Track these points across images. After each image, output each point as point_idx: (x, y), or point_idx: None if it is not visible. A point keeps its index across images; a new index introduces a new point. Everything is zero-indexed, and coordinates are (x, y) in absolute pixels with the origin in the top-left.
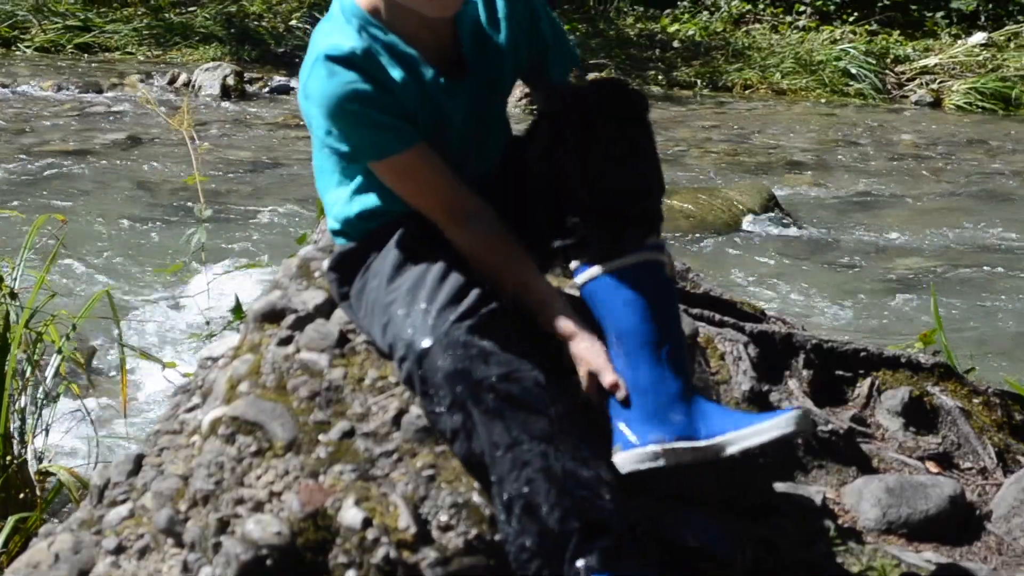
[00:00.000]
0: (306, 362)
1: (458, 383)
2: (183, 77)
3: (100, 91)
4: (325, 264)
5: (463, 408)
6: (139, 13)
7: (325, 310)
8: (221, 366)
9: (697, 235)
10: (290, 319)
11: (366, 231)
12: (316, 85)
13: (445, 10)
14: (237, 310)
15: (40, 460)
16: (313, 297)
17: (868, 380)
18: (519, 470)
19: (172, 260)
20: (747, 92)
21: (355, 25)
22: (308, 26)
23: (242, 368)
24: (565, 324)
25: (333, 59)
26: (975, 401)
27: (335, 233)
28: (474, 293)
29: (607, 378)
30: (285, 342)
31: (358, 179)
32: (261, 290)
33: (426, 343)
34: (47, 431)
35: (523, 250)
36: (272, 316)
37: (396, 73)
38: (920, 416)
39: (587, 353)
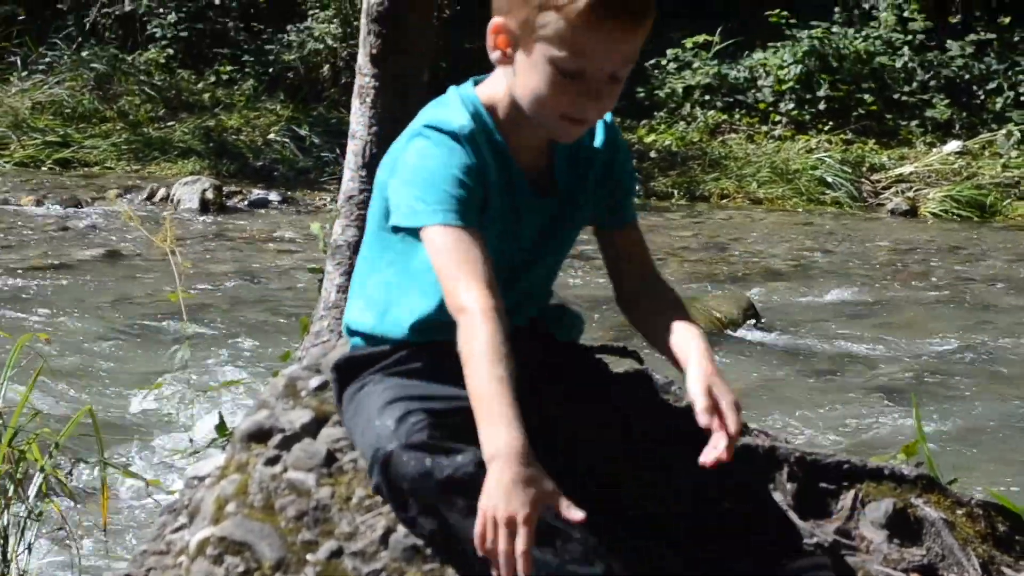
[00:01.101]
0: (293, 481)
1: (424, 487)
2: (162, 191)
3: (79, 206)
4: (332, 359)
5: (435, 512)
6: (118, 128)
7: (312, 429)
8: (208, 485)
9: None
10: (277, 438)
11: (383, 340)
12: (409, 149)
13: (570, 138)
14: (221, 427)
15: None
16: (300, 416)
17: (852, 492)
18: None
19: (155, 376)
20: (724, 201)
21: (469, 110)
22: (286, 140)
23: (229, 488)
24: (490, 440)
25: (437, 128)
26: (959, 512)
27: (350, 332)
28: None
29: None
30: (272, 462)
31: (400, 288)
32: (244, 407)
33: (389, 447)
34: (29, 549)
35: (503, 363)
36: (259, 436)
37: (491, 163)
38: (904, 528)
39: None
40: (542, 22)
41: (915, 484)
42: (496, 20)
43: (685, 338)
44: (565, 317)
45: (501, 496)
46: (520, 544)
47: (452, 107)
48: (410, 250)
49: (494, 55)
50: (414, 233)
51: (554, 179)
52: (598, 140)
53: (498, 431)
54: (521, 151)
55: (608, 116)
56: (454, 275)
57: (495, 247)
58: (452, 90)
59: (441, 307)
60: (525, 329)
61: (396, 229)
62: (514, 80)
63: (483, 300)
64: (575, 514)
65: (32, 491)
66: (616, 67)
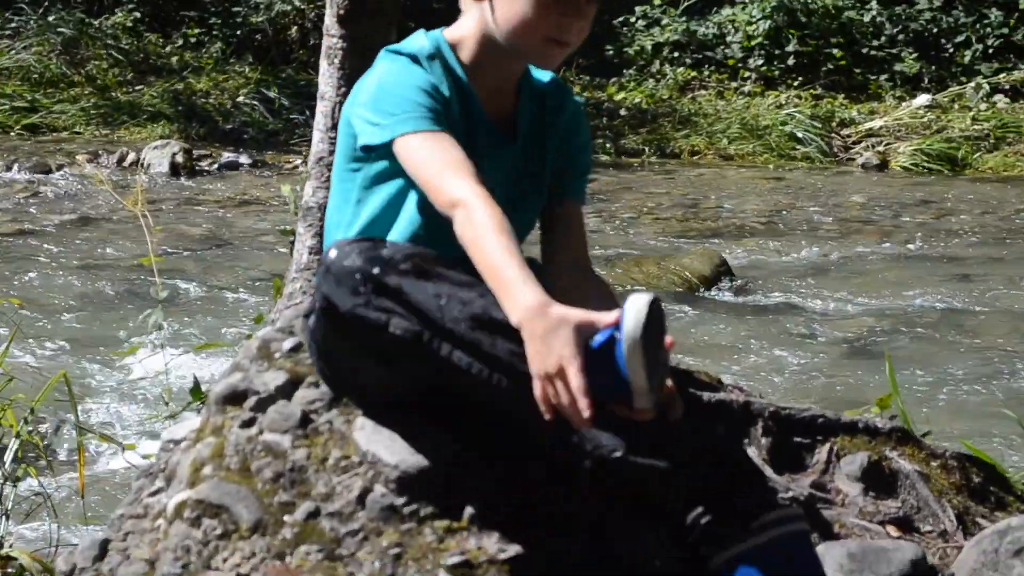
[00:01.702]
0: (269, 444)
1: (373, 266)
2: (132, 156)
3: (49, 171)
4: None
5: (386, 290)
6: (86, 93)
7: (287, 391)
8: (184, 449)
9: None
10: (252, 401)
11: None
12: (371, 75)
13: (552, 64)
14: (196, 391)
15: (0, 545)
16: (274, 378)
17: (826, 446)
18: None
19: (129, 340)
20: (695, 158)
21: (430, 42)
22: (256, 102)
23: (205, 451)
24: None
25: (397, 52)
26: (933, 464)
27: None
28: None
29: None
30: (248, 424)
31: (368, 215)
32: (219, 370)
33: (333, 251)
34: (7, 515)
35: (507, 235)
36: (234, 398)
37: (452, 96)
38: (879, 480)
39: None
40: None
41: (889, 437)
42: None
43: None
44: None
45: (542, 354)
46: (573, 383)
47: (415, 37)
48: (380, 180)
49: None
50: (386, 152)
51: (516, 128)
52: (566, 102)
53: (516, 296)
54: (484, 93)
55: (576, 99)
56: (439, 173)
57: None
58: (420, 30)
59: (425, 225)
60: None
61: (367, 149)
62: (493, 14)
63: (475, 188)
64: (606, 318)
65: (8, 457)
66: None
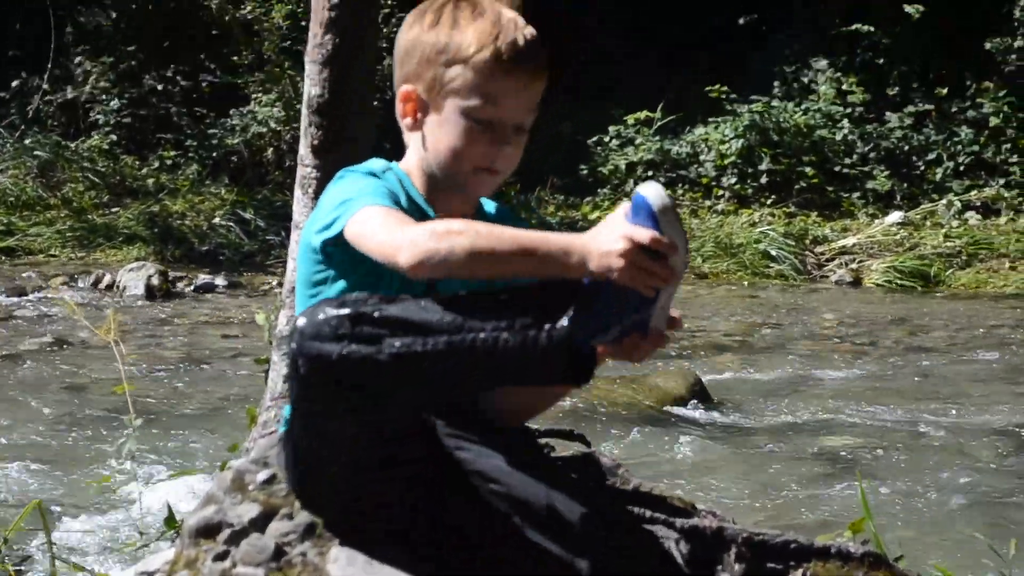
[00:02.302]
0: None
1: (344, 308)
2: (108, 278)
3: (24, 294)
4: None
5: (366, 318)
6: (62, 215)
7: (260, 524)
8: None
9: (625, 424)
10: (226, 533)
11: None
12: (328, 194)
13: (484, 192)
14: (170, 520)
15: None
16: (248, 511)
17: (800, 572)
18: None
19: (103, 466)
20: None
21: (383, 166)
22: (231, 224)
23: None
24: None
25: (352, 170)
26: None
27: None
28: None
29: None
30: (221, 557)
31: None
32: (194, 498)
33: (301, 319)
34: None
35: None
36: (207, 531)
37: (403, 205)
38: None
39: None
40: (450, 77)
41: (862, 562)
42: (403, 88)
43: None
44: None
45: (604, 242)
46: (640, 234)
47: (371, 161)
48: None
49: (405, 122)
50: (339, 257)
51: None
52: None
53: (563, 252)
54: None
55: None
56: (394, 229)
57: None
58: (374, 158)
59: None
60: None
61: (327, 245)
62: (424, 145)
63: (437, 224)
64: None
65: None
66: (523, 115)
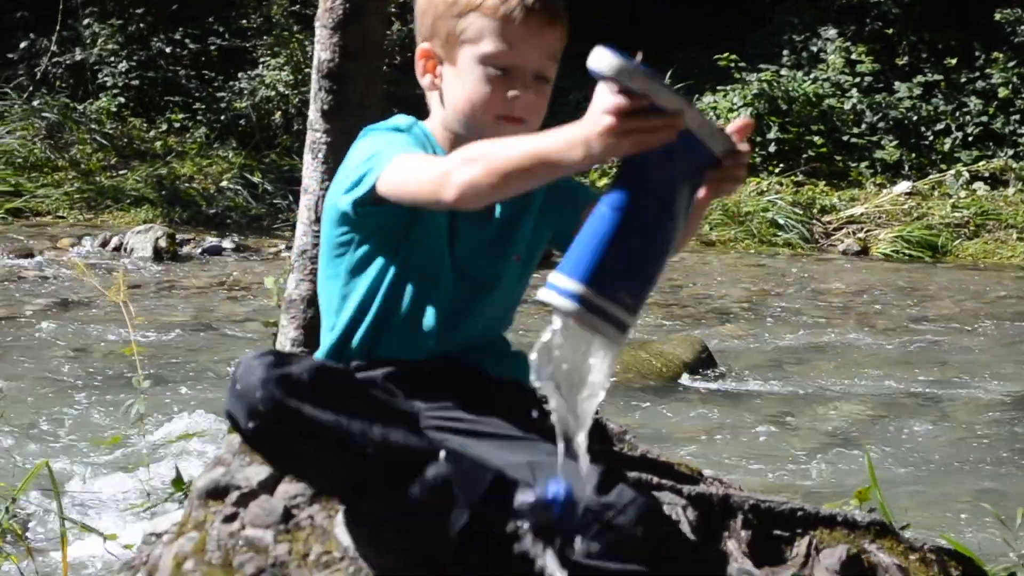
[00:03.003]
0: (251, 539)
1: (275, 388)
2: (115, 240)
3: (32, 256)
4: None
5: (286, 413)
6: (70, 177)
7: (269, 486)
8: (166, 542)
9: (633, 391)
10: (234, 495)
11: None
12: (354, 152)
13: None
14: (178, 482)
15: None
16: (257, 473)
17: (806, 539)
18: None
19: (111, 428)
20: None
21: (409, 122)
22: (239, 187)
23: (188, 546)
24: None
25: (379, 127)
26: (912, 558)
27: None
28: None
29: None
30: (230, 519)
31: (354, 304)
32: (201, 460)
33: (240, 366)
34: None
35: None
36: (216, 493)
37: None
38: (858, 574)
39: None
40: (463, 26)
41: (868, 530)
42: (421, 46)
43: None
44: (511, 355)
45: (594, 126)
46: (618, 107)
47: (395, 118)
48: (363, 267)
49: (424, 81)
50: (364, 234)
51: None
52: None
53: (562, 137)
54: None
55: None
56: (432, 169)
57: (434, 274)
58: (399, 115)
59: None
60: (471, 369)
61: (357, 205)
62: (444, 100)
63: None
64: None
65: None
66: (541, 62)
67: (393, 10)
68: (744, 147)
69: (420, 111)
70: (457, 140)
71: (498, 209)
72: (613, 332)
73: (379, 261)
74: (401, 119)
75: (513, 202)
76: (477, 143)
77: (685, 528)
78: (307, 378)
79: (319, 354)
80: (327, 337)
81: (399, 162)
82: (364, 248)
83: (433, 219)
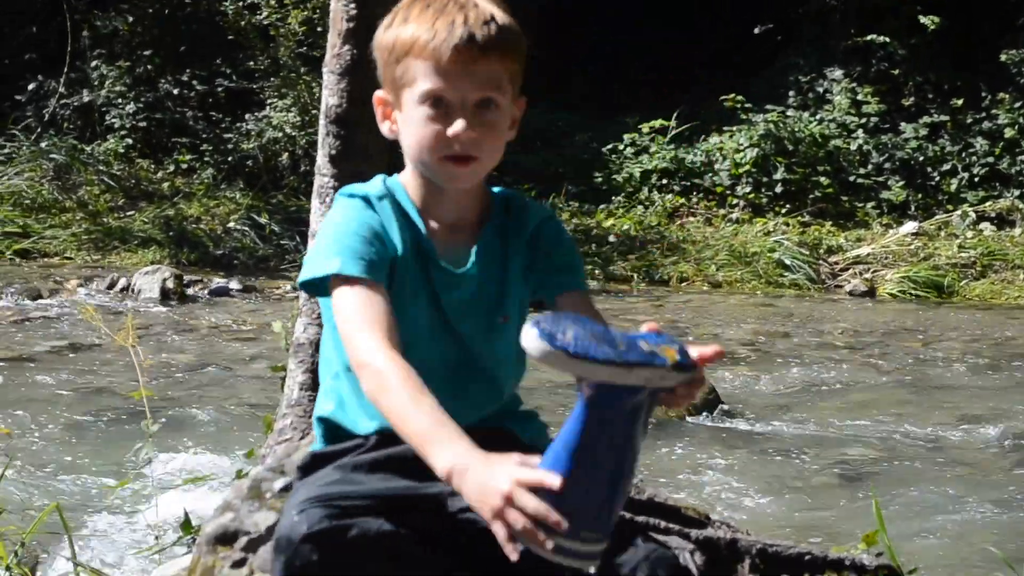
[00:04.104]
0: None
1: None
2: (123, 281)
3: (40, 297)
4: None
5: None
6: (77, 218)
7: None
8: None
9: None
10: (243, 541)
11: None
12: (329, 216)
13: (461, 182)
14: (186, 525)
15: None
16: (265, 519)
17: None
18: None
19: (120, 471)
20: (683, 285)
21: (383, 184)
22: (246, 228)
23: None
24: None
25: (353, 195)
26: None
27: (318, 420)
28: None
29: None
30: (238, 564)
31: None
32: (209, 503)
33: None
34: None
35: (424, 395)
36: (224, 538)
37: (401, 232)
38: None
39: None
40: (401, 71)
41: (876, 574)
42: (376, 94)
43: None
44: (531, 423)
45: (485, 492)
46: (529, 505)
47: (372, 181)
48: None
49: (383, 128)
50: (323, 291)
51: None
52: (529, 221)
53: (444, 448)
54: (441, 226)
55: (544, 209)
56: (352, 332)
57: (421, 336)
58: (379, 175)
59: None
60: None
61: (306, 289)
62: (403, 146)
63: (383, 350)
64: (552, 480)
65: None
66: (479, 92)
67: None
68: (701, 375)
69: None
70: (427, 186)
71: (468, 264)
72: (586, 562)
73: None
74: (374, 185)
75: (489, 263)
76: (393, 375)
77: (694, 573)
78: (355, 536)
79: (321, 427)
80: (329, 400)
81: (340, 294)
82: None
83: (409, 281)
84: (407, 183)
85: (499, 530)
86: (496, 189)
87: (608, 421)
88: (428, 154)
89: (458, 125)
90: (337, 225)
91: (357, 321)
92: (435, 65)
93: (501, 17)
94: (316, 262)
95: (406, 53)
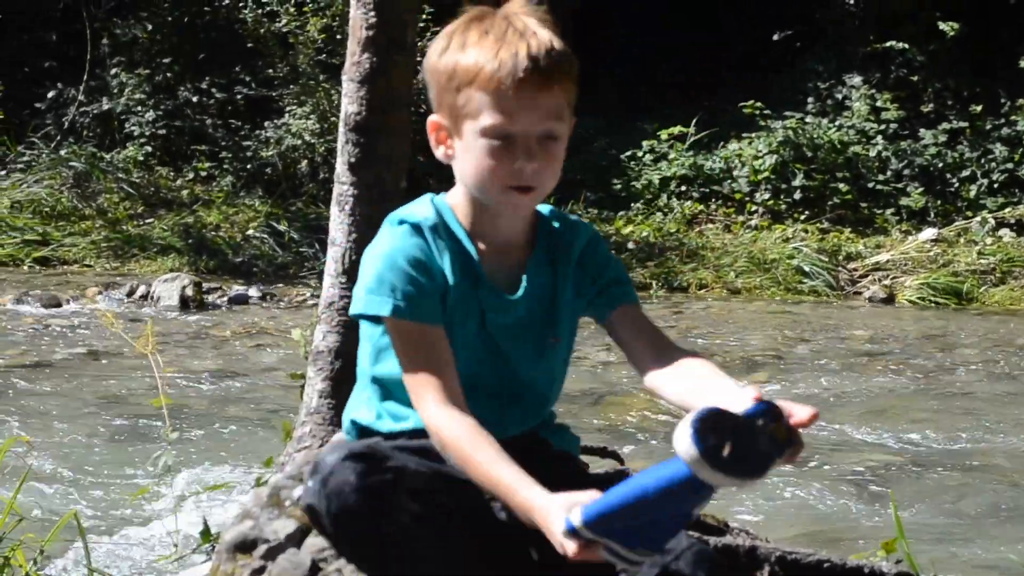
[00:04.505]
0: None
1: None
2: (142, 289)
3: (59, 305)
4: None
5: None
6: (97, 226)
7: (297, 539)
8: None
9: (658, 441)
10: (262, 549)
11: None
12: (375, 243)
13: (522, 210)
14: (205, 533)
15: None
16: (284, 526)
17: None
18: None
19: (139, 478)
20: (702, 292)
21: (433, 211)
22: (265, 236)
23: None
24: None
25: (403, 221)
26: None
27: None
28: None
29: None
30: (258, 573)
31: (382, 374)
32: (229, 511)
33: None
34: None
35: (488, 446)
36: (244, 547)
37: (451, 258)
38: None
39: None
40: (463, 101)
41: None
42: (431, 118)
43: (721, 387)
44: (563, 434)
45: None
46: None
47: (420, 204)
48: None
49: (438, 153)
50: (375, 320)
51: (525, 278)
52: (576, 239)
53: (525, 497)
54: (490, 249)
55: (588, 227)
56: (411, 387)
57: (470, 356)
58: (427, 195)
59: None
60: (519, 438)
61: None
62: (458, 171)
63: (444, 413)
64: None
65: None
66: (543, 124)
67: (420, 59)
68: (801, 444)
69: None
70: (479, 209)
71: (520, 290)
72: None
73: None
74: (426, 211)
75: (539, 288)
76: (461, 427)
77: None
78: (393, 478)
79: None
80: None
81: (398, 335)
82: (390, 365)
83: (460, 305)
84: (456, 205)
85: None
86: (541, 208)
87: (703, 497)
88: (490, 184)
89: (523, 161)
90: (385, 257)
91: (411, 372)
92: (500, 99)
93: (558, 44)
94: (368, 299)
95: (469, 83)
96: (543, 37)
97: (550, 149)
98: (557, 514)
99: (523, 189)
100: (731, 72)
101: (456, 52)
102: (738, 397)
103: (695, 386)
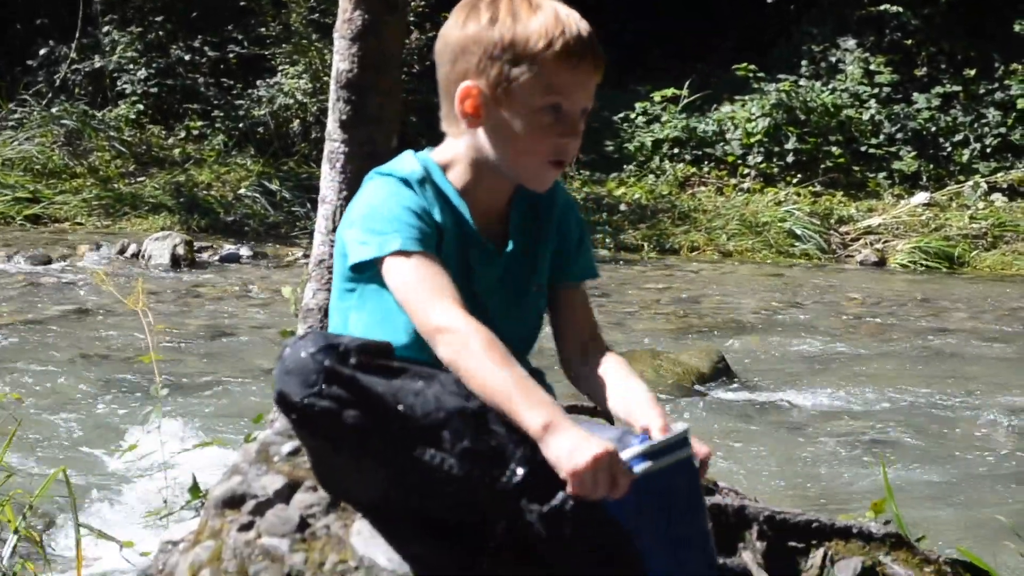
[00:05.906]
0: (267, 548)
1: (325, 357)
2: (133, 247)
3: (50, 262)
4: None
5: (338, 379)
6: (88, 184)
7: (285, 495)
8: (182, 551)
9: None
10: (250, 504)
11: None
12: (362, 196)
13: (547, 185)
14: (194, 489)
15: None
16: (273, 482)
17: (821, 551)
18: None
19: (128, 435)
20: (694, 254)
21: (420, 166)
22: (257, 195)
23: (203, 555)
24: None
25: (388, 175)
26: (927, 570)
27: None
28: None
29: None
30: (246, 528)
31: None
32: (218, 468)
33: (287, 348)
34: None
35: (510, 361)
36: (232, 502)
37: (441, 213)
38: None
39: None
40: (516, 73)
41: (883, 542)
42: (465, 84)
43: (631, 391)
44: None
45: (576, 450)
46: (621, 481)
47: (404, 159)
48: (373, 298)
49: (464, 121)
50: (373, 270)
51: (508, 238)
52: (556, 196)
53: (541, 407)
54: (477, 210)
55: (567, 192)
56: (423, 299)
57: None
58: (407, 152)
59: (417, 345)
60: None
61: (355, 268)
62: (486, 142)
63: (462, 315)
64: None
65: (6, 553)
66: (588, 102)
67: (412, 19)
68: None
69: (439, 119)
70: (478, 175)
71: (510, 244)
72: None
73: (389, 297)
74: (409, 163)
75: (526, 234)
76: (476, 337)
77: None
78: (356, 346)
79: None
80: None
81: (403, 267)
82: (376, 283)
83: (446, 260)
84: (447, 164)
85: (570, 486)
86: None
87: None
88: (532, 158)
89: (570, 138)
90: (382, 203)
91: (426, 290)
92: (559, 77)
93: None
94: (371, 242)
95: (528, 58)
96: (582, 20)
97: (582, 126)
98: (600, 445)
99: (559, 163)
100: (722, 32)
101: (511, 23)
102: (642, 408)
103: (610, 388)
